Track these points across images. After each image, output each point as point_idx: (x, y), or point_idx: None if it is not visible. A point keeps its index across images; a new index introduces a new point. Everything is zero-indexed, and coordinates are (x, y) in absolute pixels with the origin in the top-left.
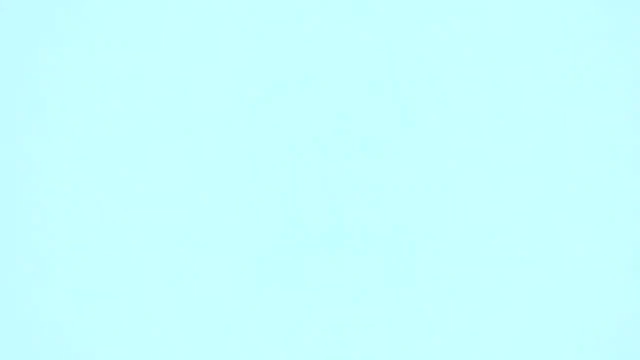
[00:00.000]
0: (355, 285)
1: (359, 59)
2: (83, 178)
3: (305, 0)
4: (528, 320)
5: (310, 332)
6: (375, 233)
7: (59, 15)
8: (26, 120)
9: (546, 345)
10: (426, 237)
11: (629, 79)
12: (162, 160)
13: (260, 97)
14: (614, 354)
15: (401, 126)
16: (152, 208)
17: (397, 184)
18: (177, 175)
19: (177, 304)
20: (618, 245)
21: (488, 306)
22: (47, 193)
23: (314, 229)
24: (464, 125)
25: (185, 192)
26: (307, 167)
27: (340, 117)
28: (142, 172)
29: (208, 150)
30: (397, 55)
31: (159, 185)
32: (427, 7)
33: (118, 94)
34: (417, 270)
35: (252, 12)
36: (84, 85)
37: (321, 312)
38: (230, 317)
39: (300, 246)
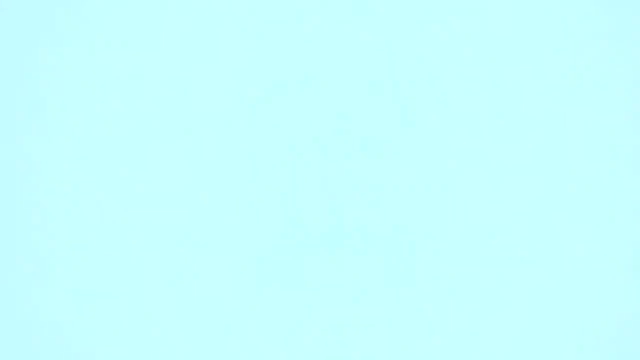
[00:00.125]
0: (355, 285)
1: (359, 59)
2: (83, 178)
3: (305, 0)
4: (528, 320)
5: (310, 332)
6: (375, 233)
7: (59, 15)
8: (26, 120)
9: (546, 345)
10: (426, 237)
11: (629, 79)
12: (162, 160)
13: (260, 97)
14: (614, 354)
15: (401, 126)
16: (152, 208)
17: (397, 184)
18: (177, 175)
19: (177, 304)
20: (618, 245)
21: (488, 306)
22: (47, 193)
23: (314, 229)
24: (464, 125)
25: (185, 192)
26: (307, 167)
27: (340, 117)
28: (142, 172)
29: (208, 150)
30: (397, 55)
31: (159, 185)
32: (427, 7)
33: (118, 94)
34: (417, 270)
35: (252, 12)
36: (84, 85)
37: (321, 312)
38: (230, 317)
39: (300, 246)
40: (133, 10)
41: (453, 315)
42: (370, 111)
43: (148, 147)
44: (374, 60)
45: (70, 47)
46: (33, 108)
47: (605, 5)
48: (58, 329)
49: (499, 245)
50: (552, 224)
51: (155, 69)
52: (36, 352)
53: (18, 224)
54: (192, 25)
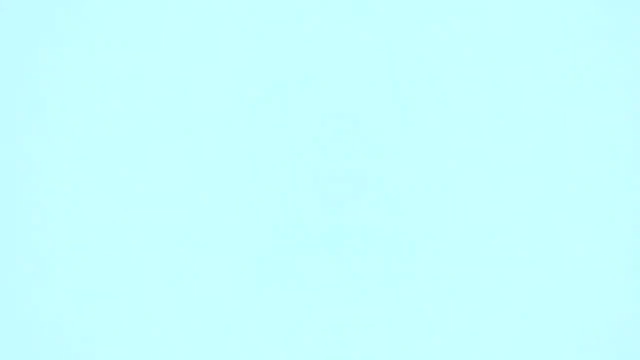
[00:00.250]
0: (354, 285)
1: (359, 59)
2: (83, 178)
3: (305, 0)
4: (528, 320)
5: (310, 332)
6: (375, 233)
7: (59, 15)
8: (26, 120)
9: (546, 345)
10: (426, 237)
11: (629, 79)
12: (162, 161)
13: (260, 97)
14: (614, 354)
15: (401, 126)
16: (152, 208)
17: (396, 184)
18: (177, 175)
19: (177, 304)
20: (618, 245)
21: (488, 306)
22: (47, 193)
23: (314, 229)
24: (464, 125)
25: (185, 192)
26: (307, 167)
27: (340, 117)
28: (142, 172)
29: (208, 150)
30: (397, 55)
31: (158, 186)
32: (427, 7)
33: (118, 94)
34: (417, 270)
35: (252, 12)
36: (84, 85)
37: (321, 312)
38: (230, 317)
39: (299, 246)
40: (133, 10)
41: (453, 315)
42: (371, 111)
43: (148, 147)
44: (374, 60)
45: (70, 47)
46: (33, 108)
47: (605, 5)
48: (58, 329)
49: (499, 245)
50: (552, 224)
51: (155, 69)
52: (36, 352)
53: (18, 224)
54: (192, 26)
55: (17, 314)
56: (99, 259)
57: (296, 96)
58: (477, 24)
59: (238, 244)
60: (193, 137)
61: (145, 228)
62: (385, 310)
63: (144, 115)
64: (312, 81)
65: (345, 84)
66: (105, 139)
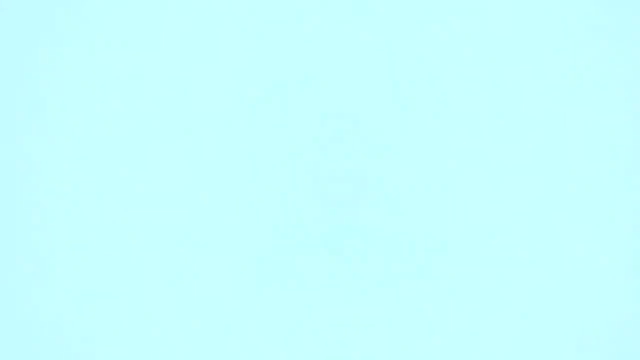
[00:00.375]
0: (355, 285)
1: (359, 59)
2: (83, 178)
3: (305, 0)
4: (528, 320)
5: (310, 332)
6: (375, 233)
7: (59, 15)
8: (26, 120)
9: (546, 345)
10: (426, 238)
11: (629, 79)
12: (162, 161)
13: (260, 97)
14: (614, 354)
15: (401, 126)
16: (152, 208)
17: (397, 185)
18: (177, 175)
19: (177, 304)
20: (618, 245)
21: (488, 306)
22: (47, 193)
23: (314, 229)
24: (464, 126)
25: (185, 192)
26: (307, 168)
27: (340, 117)
28: (142, 172)
29: (208, 150)
30: (397, 55)
31: (158, 186)
32: (427, 7)
33: (118, 94)
34: (417, 271)
35: (252, 12)
36: (84, 85)
37: (321, 312)
38: (230, 317)
39: (300, 246)
40: (133, 10)
41: (453, 315)
42: (371, 111)
43: (148, 147)
44: (374, 60)
45: (70, 47)
46: (33, 108)
47: (605, 5)
48: (58, 329)
49: (499, 245)
50: (552, 224)
51: (155, 69)
52: (36, 352)
53: (18, 224)
54: (192, 26)
55: (17, 314)
56: (99, 259)
57: (296, 96)
58: (477, 24)
59: (238, 244)
60: (193, 137)
61: (145, 228)
62: (385, 310)
63: (144, 115)
64: (312, 81)
65: (345, 84)
66: (105, 139)
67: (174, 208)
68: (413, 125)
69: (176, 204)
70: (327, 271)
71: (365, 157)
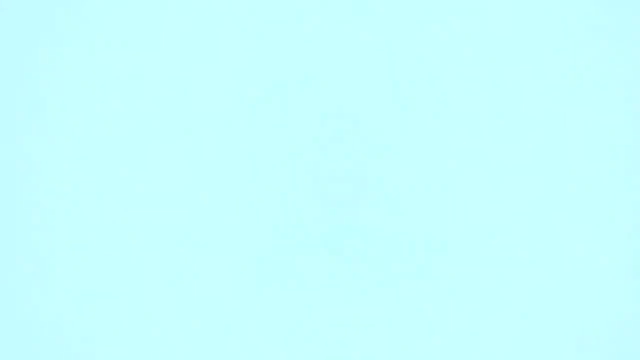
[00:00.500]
0: (355, 285)
1: (359, 59)
2: (83, 178)
3: (305, 0)
4: (528, 320)
5: (310, 332)
6: (375, 233)
7: (59, 15)
8: (26, 120)
9: (546, 345)
10: (426, 238)
11: (629, 79)
12: (162, 161)
13: (260, 97)
14: (614, 354)
15: (401, 126)
16: (152, 208)
17: (397, 185)
18: (177, 175)
19: (177, 304)
20: (618, 246)
21: (488, 306)
22: (47, 193)
23: (314, 229)
24: (464, 126)
25: (185, 192)
26: (307, 168)
27: (340, 117)
28: (142, 172)
29: (208, 150)
30: (397, 55)
31: (158, 186)
32: (427, 7)
33: (118, 94)
34: (417, 271)
35: (252, 12)
36: (84, 85)
37: (321, 312)
38: (230, 317)
39: (299, 246)
40: (133, 10)
41: (453, 315)
42: (371, 111)
43: (148, 147)
44: (374, 60)
45: (70, 47)
46: (33, 108)
47: (605, 5)
48: (58, 329)
49: (499, 246)
50: (552, 224)
51: (155, 69)
52: (36, 352)
53: (18, 224)
54: (192, 26)
55: (17, 314)
56: (99, 259)
57: (296, 96)
58: (477, 24)
59: (238, 245)
60: (193, 137)
61: (145, 228)
62: (385, 310)
63: (144, 115)
64: (312, 81)
65: (345, 84)
66: (105, 139)
67: (174, 208)
68: (413, 125)
69: (176, 204)
70: (327, 271)
71: (365, 157)
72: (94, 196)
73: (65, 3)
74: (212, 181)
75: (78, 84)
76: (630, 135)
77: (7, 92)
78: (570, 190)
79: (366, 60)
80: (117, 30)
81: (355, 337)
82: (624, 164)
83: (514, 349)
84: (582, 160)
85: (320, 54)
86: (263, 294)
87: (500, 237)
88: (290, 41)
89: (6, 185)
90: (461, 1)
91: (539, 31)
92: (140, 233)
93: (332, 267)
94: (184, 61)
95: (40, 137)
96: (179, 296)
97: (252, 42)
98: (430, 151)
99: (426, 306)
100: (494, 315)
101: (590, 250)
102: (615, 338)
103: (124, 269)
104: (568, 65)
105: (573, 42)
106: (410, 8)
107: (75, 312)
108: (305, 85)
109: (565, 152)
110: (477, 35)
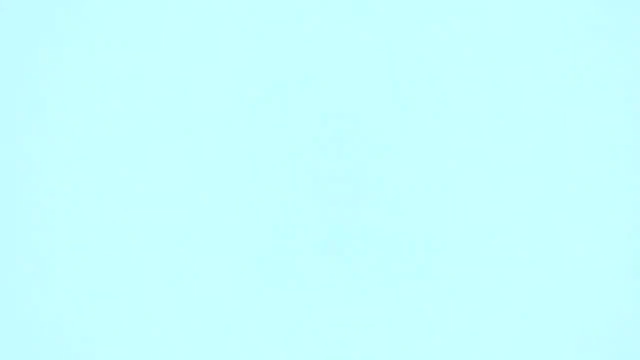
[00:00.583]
0: (355, 285)
1: (359, 59)
2: (83, 178)
3: (305, 0)
4: (528, 320)
5: (310, 332)
6: (375, 233)
7: (59, 15)
8: (26, 120)
9: (546, 345)
10: (426, 238)
11: (629, 79)
12: (162, 161)
13: (260, 97)
14: (614, 354)
15: (401, 126)
16: (152, 208)
17: (397, 185)
18: (177, 175)
19: (177, 304)
20: (618, 246)
21: (488, 306)
22: (47, 193)
23: (314, 229)
24: (464, 126)
25: (185, 192)
26: (307, 168)
27: (340, 117)
28: (142, 172)
29: (208, 150)
30: (397, 55)
31: (159, 186)
32: (427, 7)
33: (118, 94)
34: (418, 271)
35: (252, 12)
36: (84, 85)
37: (321, 312)
38: (230, 317)
39: (299, 246)
40: (133, 10)
41: (453, 315)
42: (371, 111)
43: (148, 147)
44: (374, 60)
45: (70, 47)
46: (33, 108)
47: (605, 5)
48: (58, 329)
49: (499, 245)
50: (552, 224)
51: (155, 69)
52: (36, 352)
53: (18, 224)
54: (192, 26)
55: (17, 314)
56: (99, 259)
57: (296, 96)
58: (477, 24)
59: (238, 245)
60: (193, 137)
61: (145, 228)
62: (385, 311)
63: (144, 115)
64: (312, 81)
65: (345, 84)
66: (105, 139)
67: (174, 208)
68: (413, 125)
69: (176, 204)
70: (327, 271)
71: (365, 157)
72: (94, 196)
73: (65, 3)
74: (213, 181)
75: (78, 84)
76: (630, 135)
77: (7, 92)
78: (570, 190)
79: (366, 61)
80: (117, 30)
81: (355, 337)
82: (624, 164)
83: (514, 348)
84: (582, 160)
85: (320, 55)
86: (263, 294)
87: (500, 237)
88: (290, 41)
89: (6, 185)
90: (461, 1)
91: (539, 31)
92: (141, 233)
93: (332, 267)
94: (184, 61)
95: (40, 137)
96: (179, 296)
97: (252, 42)
98: (430, 151)
99: (426, 306)
100: (494, 315)
101: (590, 250)
102: (615, 338)
103: (124, 269)
104: (568, 65)
105: (573, 42)
106: (410, 8)
107: (75, 312)
108: (306, 86)
109: (565, 152)
110: (477, 35)
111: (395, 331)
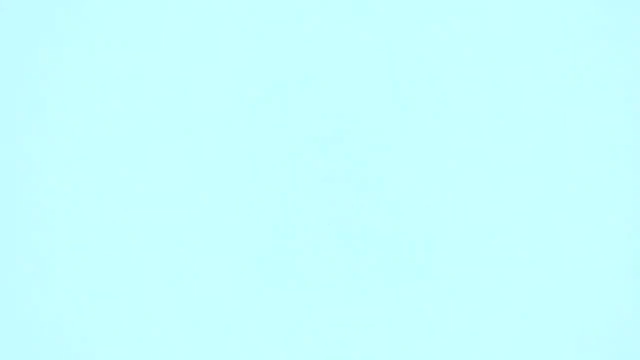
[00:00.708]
0: (355, 285)
1: (358, 59)
2: (83, 178)
3: (305, 0)
4: (528, 320)
5: (310, 332)
6: (375, 233)
7: (59, 15)
8: (26, 120)
9: (546, 345)
10: (427, 237)
11: (629, 79)
12: (162, 161)
13: (260, 97)
14: (614, 354)
15: (401, 126)
16: (152, 208)
17: (397, 184)
18: (177, 175)
19: (177, 304)
20: (618, 246)
21: (489, 306)
22: (47, 193)
23: (314, 229)
24: (464, 126)
25: (185, 192)
26: (307, 167)
27: (340, 117)
28: (142, 172)
29: (208, 150)
30: (397, 55)
31: (158, 186)
32: (427, 7)
33: (118, 94)
34: (418, 271)
35: (252, 12)
36: (84, 85)
37: (321, 312)
38: (230, 316)
39: (299, 246)
40: (133, 10)
41: (453, 315)
42: (371, 111)
43: (148, 147)
44: (373, 60)
45: (70, 47)
46: (33, 108)
47: (605, 5)
48: (58, 329)
49: (500, 245)
50: (552, 224)
51: (155, 69)
52: (36, 352)
53: (18, 224)
54: (192, 26)
55: (17, 314)
56: (99, 259)
57: (296, 96)
58: (477, 24)
59: (238, 244)
60: (193, 137)
61: (145, 228)
62: (385, 310)
63: (144, 115)
64: (312, 81)
65: (345, 84)
66: (105, 139)
67: (174, 208)
68: (413, 125)
69: (176, 203)
70: (327, 271)
71: (365, 156)
72: (94, 196)
73: (65, 3)
74: (213, 181)
75: (78, 84)
76: (630, 135)
77: (7, 92)
78: (570, 190)
79: (366, 61)
80: (117, 30)
81: (355, 337)
82: (624, 164)
83: (514, 348)
84: (582, 160)
85: (320, 54)
86: (263, 294)
87: (501, 237)
88: (290, 41)
89: (6, 185)
90: (461, 1)
91: (539, 31)
92: (141, 233)
93: (332, 267)
94: (184, 61)
95: (40, 137)
96: (180, 296)
97: (252, 42)
98: (431, 151)
99: (426, 306)
100: (494, 315)
101: (590, 250)
102: (615, 338)
103: (124, 269)
104: (568, 65)
105: (573, 42)
106: (410, 8)
107: (75, 312)
108: (305, 85)
109: (565, 152)
110: (477, 35)
111: (395, 331)
